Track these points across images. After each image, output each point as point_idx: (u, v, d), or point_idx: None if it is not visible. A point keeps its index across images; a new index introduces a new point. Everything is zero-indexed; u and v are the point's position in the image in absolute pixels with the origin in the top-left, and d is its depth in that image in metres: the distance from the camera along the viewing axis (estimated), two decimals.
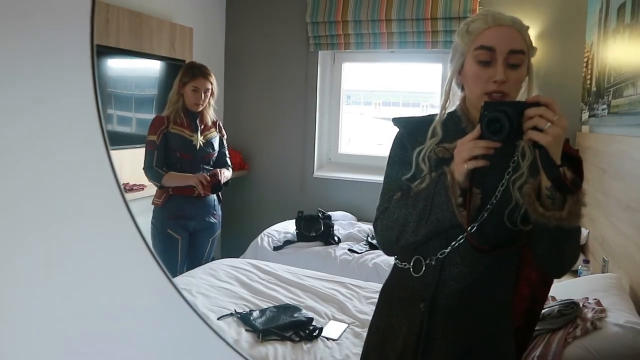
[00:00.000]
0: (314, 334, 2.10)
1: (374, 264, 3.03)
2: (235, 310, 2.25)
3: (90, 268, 1.05)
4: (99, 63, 3.15)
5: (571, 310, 1.73)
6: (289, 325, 2.12)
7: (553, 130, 0.98)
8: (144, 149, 2.73)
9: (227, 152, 2.95)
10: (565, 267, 1.16)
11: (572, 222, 1.02)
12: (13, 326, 0.95)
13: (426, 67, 4.12)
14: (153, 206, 2.78)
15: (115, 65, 3.35)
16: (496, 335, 1.22)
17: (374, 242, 3.20)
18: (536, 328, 1.65)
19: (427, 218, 1.12)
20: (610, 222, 2.36)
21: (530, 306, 1.31)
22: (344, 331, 2.15)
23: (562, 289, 2.01)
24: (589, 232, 2.74)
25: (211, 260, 2.95)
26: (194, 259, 2.88)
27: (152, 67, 3.62)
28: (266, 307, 2.30)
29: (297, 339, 2.06)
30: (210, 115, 2.83)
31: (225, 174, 2.84)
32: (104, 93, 3.22)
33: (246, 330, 2.11)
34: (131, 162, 2.94)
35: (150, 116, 3.40)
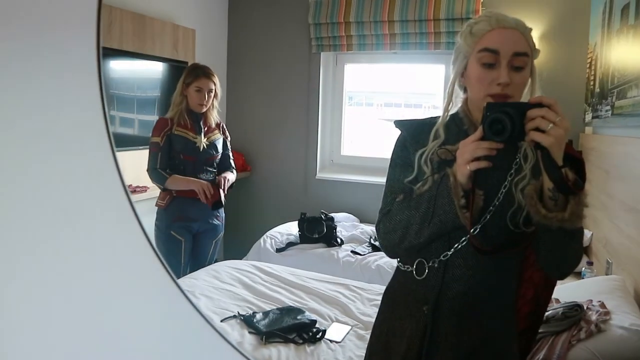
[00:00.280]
0: (317, 336, 2.09)
1: (376, 266, 3.02)
2: (238, 313, 2.25)
3: (96, 269, 1.05)
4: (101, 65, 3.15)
5: (575, 312, 1.72)
6: (292, 327, 2.12)
7: (555, 132, 0.98)
8: (146, 151, 2.73)
9: (230, 154, 2.95)
10: (568, 268, 1.15)
11: (575, 223, 1.02)
12: (18, 326, 0.95)
13: (429, 68, 4.11)
14: (156, 208, 2.79)
15: (118, 67, 3.35)
16: (500, 338, 1.22)
17: (377, 243, 3.20)
18: (540, 330, 1.65)
19: (430, 220, 1.12)
20: (614, 224, 2.35)
21: (533, 308, 1.30)
22: (347, 333, 2.14)
23: (565, 291, 2.01)
24: (592, 234, 2.74)
25: (214, 262, 2.95)
26: (197, 261, 2.88)
27: (155, 69, 3.63)
28: (269, 309, 2.30)
29: (301, 341, 2.06)
30: (214, 117, 2.83)
31: (229, 178, 2.84)
32: (107, 94, 3.22)
33: (249, 332, 2.11)
34: (133, 163, 2.94)
35: (153, 118, 3.41)
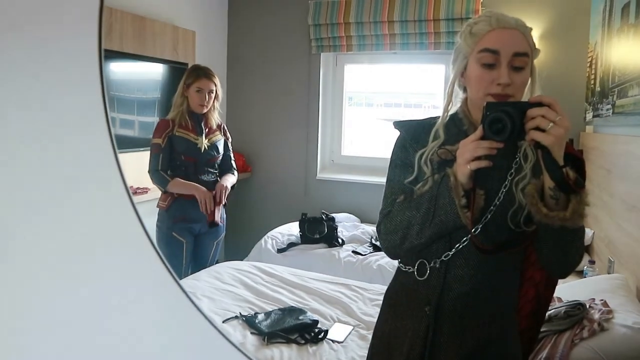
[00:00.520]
0: (320, 336, 2.09)
1: (378, 266, 3.02)
2: (240, 313, 2.25)
3: (98, 270, 1.05)
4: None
5: (578, 311, 1.72)
6: (294, 327, 2.11)
7: (555, 131, 0.98)
8: (147, 152, 2.73)
9: (232, 156, 2.95)
10: (569, 267, 1.15)
11: (576, 222, 1.02)
12: (19, 328, 0.95)
13: (429, 68, 4.11)
14: (157, 209, 2.79)
15: (118, 68, 3.35)
16: (502, 338, 1.22)
17: (378, 243, 3.20)
18: (543, 329, 1.65)
19: (431, 220, 1.12)
20: (615, 222, 2.35)
21: (535, 307, 1.30)
22: (350, 333, 2.14)
23: (568, 290, 2.01)
24: (594, 233, 2.73)
25: (216, 263, 2.95)
26: (199, 262, 2.88)
27: (155, 71, 3.63)
28: (271, 309, 2.30)
29: (303, 341, 2.06)
30: (215, 118, 2.83)
31: (228, 185, 2.84)
32: (107, 96, 3.22)
33: (251, 333, 2.11)
34: (134, 165, 2.94)
35: (153, 119, 3.41)
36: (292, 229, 3.59)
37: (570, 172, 1.01)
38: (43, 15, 0.94)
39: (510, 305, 1.23)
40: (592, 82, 3.10)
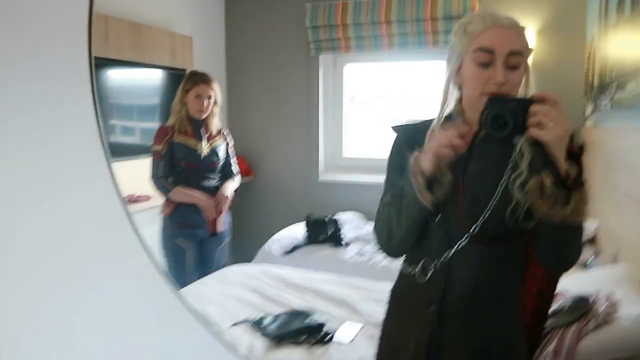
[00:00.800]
0: (327, 338, 2.10)
1: (383, 266, 3.03)
2: (247, 317, 2.26)
3: (96, 281, 1.06)
4: (99, 75, 3.16)
5: (583, 304, 1.73)
6: (302, 330, 2.12)
7: (555, 130, 0.98)
8: (148, 159, 2.74)
9: (232, 160, 2.95)
10: (567, 264, 1.16)
11: (577, 219, 1.03)
12: (15, 340, 0.95)
13: (428, 66, 4.11)
14: (161, 216, 2.80)
15: (117, 75, 3.36)
16: (507, 335, 1.22)
17: None
18: (549, 323, 1.66)
19: (400, 207, 1.16)
20: (619, 214, 2.36)
21: (538, 304, 1.31)
22: (357, 334, 2.15)
23: (572, 283, 2.01)
24: (598, 225, 2.74)
25: (222, 267, 2.96)
26: (205, 267, 2.88)
27: (154, 76, 3.63)
28: (278, 312, 2.31)
29: (311, 343, 2.07)
30: (215, 124, 2.84)
31: (229, 193, 2.86)
32: (106, 104, 3.23)
33: (259, 336, 2.11)
34: (136, 172, 2.95)
35: (154, 125, 3.41)
36: (296, 231, 3.60)
37: (570, 169, 1.02)
38: (33, 25, 0.96)
39: (514, 302, 1.24)
40: (591, 76, 3.11)
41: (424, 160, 1.12)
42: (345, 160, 4.30)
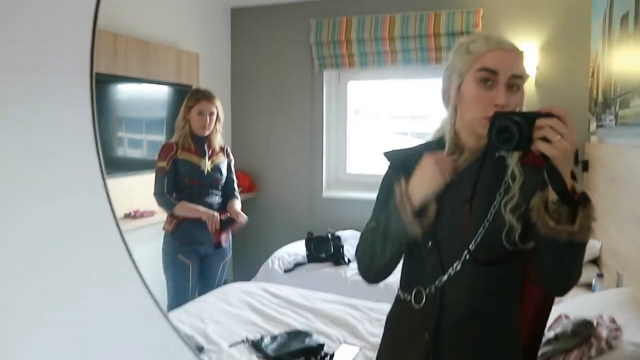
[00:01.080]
0: (326, 359, 2.08)
1: (385, 285, 2.97)
2: (246, 337, 2.24)
3: (83, 300, 1.05)
4: (107, 89, 3.19)
5: (585, 329, 1.69)
6: (301, 351, 2.10)
7: (561, 144, 0.96)
8: (151, 175, 2.76)
9: (235, 178, 2.96)
10: (569, 284, 1.13)
11: (584, 236, 1.00)
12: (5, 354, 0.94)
13: (432, 82, 4.11)
14: (163, 232, 2.80)
15: (125, 89, 3.38)
16: (504, 359, 1.20)
17: None
18: (550, 348, 1.63)
19: (387, 234, 1.15)
20: (622, 234, 2.32)
21: (534, 326, 1.28)
22: (356, 356, 2.12)
23: (575, 306, 1.98)
24: (602, 245, 2.70)
25: (224, 284, 2.95)
26: (206, 284, 2.88)
27: (161, 90, 3.65)
28: (277, 332, 2.29)
29: None
30: (218, 141, 2.86)
31: (239, 205, 2.87)
32: (114, 117, 3.26)
33: (258, 357, 2.10)
34: (141, 188, 2.97)
35: (161, 138, 3.43)
36: (298, 248, 3.58)
37: (576, 185, 1.00)
38: (36, 38, 0.96)
39: (511, 326, 1.21)
40: (595, 92, 3.08)
41: (411, 191, 1.12)
42: (349, 176, 4.29)
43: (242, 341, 2.22)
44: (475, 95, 1.11)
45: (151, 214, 3.27)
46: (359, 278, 3.12)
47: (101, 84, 3.08)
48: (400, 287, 1.26)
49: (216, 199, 2.85)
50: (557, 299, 1.38)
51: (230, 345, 2.19)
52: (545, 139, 0.97)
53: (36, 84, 0.94)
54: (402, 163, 1.24)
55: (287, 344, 2.17)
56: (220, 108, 2.82)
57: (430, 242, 1.16)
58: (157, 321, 1.18)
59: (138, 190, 3.16)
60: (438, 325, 1.17)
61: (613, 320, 1.73)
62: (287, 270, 3.32)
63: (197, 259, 2.82)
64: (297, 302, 2.64)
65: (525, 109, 1.15)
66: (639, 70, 2.09)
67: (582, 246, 1.04)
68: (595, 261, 2.75)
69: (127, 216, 3.24)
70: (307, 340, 2.18)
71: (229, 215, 2.81)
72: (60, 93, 0.97)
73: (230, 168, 2.93)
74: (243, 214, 2.86)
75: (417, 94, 4.23)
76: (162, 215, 2.89)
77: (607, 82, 2.71)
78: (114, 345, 1.04)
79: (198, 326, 2.34)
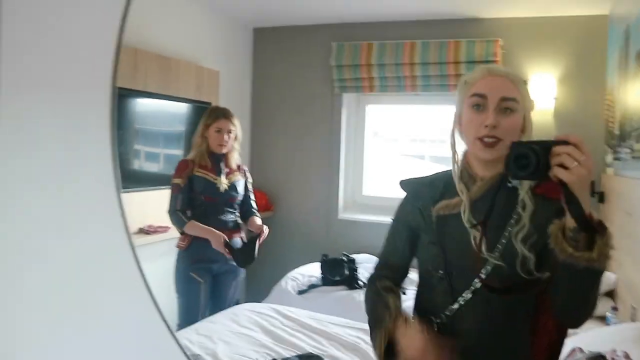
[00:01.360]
0: None
1: None
2: (256, 359, 2.24)
3: (94, 314, 1.07)
4: (126, 103, 3.21)
5: None
6: None
7: (578, 170, 0.97)
8: (167, 191, 2.77)
9: (252, 196, 2.97)
10: (585, 315, 1.13)
11: (602, 263, 1.01)
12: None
13: (450, 108, 4.13)
14: (176, 249, 2.82)
15: (144, 103, 3.39)
16: None
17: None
18: None
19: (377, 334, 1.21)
20: (638, 267, 2.30)
21: (548, 357, 1.28)
22: None
23: (589, 339, 1.96)
24: (617, 278, 2.68)
25: (235, 304, 2.95)
26: (218, 302, 2.89)
27: (180, 106, 3.67)
28: (288, 356, 2.29)
29: None
30: (235, 159, 2.88)
31: (260, 221, 2.88)
32: (132, 129, 3.26)
33: None
34: (156, 202, 2.98)
35: (178, 152, 3.45)
36: (313, 270, 3.58)
37: (593, 213, 1.01)
38: (60, 53, 0.99)
39: (523, 356, 1.21)
40: (611, 124, 3.08)
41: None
42: (365, 198, 4.30)
43: None
44: (469, 119, 1.19)
45: (165, 229, 3.26)
46: None
47: (120, 97, 3.09)
48: (413, 314, 1.28)
49: (231, 217, 2.86)
50: (571, 331, 1.38)
51: None
52: (562, 166, 0.99)
53: (59, 100, 0.98)
54: (417, 191, 1.28)
55: None
56: (238, 126, 2.85)
57: (440, 271, 1.18)
58: (164, 340, 1.21)
59: (153, 204, 3.14)
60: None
61: (627, 356, 1.71)
62: (300, 292, 3.32)
63: (210, 277, 2.82)
64: (309, 324, 2.64)
65: (533, 135, 1.18)
66: None
67: (599, 274, 1.04)
68: (610, 294, 2.72)
69: (141, 231, 3.24)
70: None
71: (250, 231, 2.82)
72: (82, 110, 1.01)
73: (247, 186, 2.95)
74: (265, 227, 2.86)
75: (434, 118, 4.25)
76: (176, 232, 2.90)
77: (623, 116, 2.72)
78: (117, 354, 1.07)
79: (207, 346, 2.34)
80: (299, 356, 2.27)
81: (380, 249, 1.36)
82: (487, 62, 3.53)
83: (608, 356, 1.72)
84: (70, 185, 1.04)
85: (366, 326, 2.60)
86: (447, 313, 1.18)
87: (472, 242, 1.16)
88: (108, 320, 1.09)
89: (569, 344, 1.63)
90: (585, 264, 1.00)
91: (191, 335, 2.43)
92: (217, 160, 2.81)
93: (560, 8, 3.41)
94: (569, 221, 1.01)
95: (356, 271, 3.39)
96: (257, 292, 3.84)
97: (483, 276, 1.14)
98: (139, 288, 1.16)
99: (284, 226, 4.33)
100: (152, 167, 3.56)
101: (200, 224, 2.72)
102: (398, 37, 3.91)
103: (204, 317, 2.73)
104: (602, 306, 2.45)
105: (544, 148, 1.01)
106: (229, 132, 2.79)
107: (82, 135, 1.04)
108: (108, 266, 1.11)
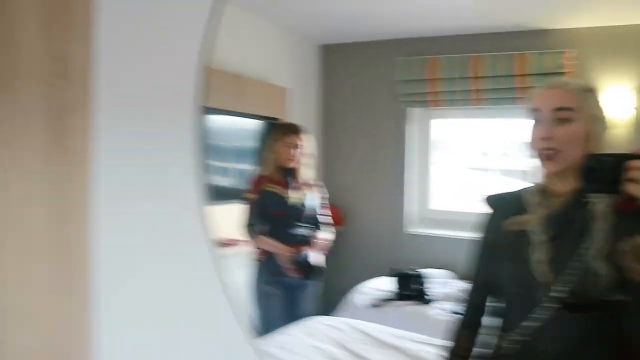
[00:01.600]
0: None
1: None
2: None
3: (178, 321, 1.11)
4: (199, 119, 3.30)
5: None
6: None
7: None
8: (239, 204, 2.85)
9: (322, 211, 3.00)
10: None
11: None
12: None
13: (518, 121, 4.04)
14: (252, 262, 2.87)
15: (216, 119, 3.46)
16: None
17: None
18: None
19: None
20: None
21: None
22: None
23: None
24: None
25: (308, 316, 2.97)
26: (292, 316, 2.92)
27: (251, 122, 3.74)
28: None
29: None
30: (305, 173, 2.92)
31: (328, 235, 2.90)
32: (203, 144, 3.34)
33: None
34: (226, 217, 3.03)
35: (249, 167, 3.52)
36: (382, 284, 3.56)
37: None
38: (148, 77, 1.05)
39: None
40: None
41: None
42: (432, 212, 4.26)
43: None
44: (530, 134, 1.20)
45: (235, 242, 3.32)
46: (444, 318, 3.08)
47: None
48: (487, 333, 1.29)
49: (302, 231, 2.90)
50: None
51: None
52: (635, 180, 0.95)
53: (147, 118, 1.06)
54: (500, 206, 1.28)
55: None
56: (307, 141, 2.90)
57: (516, 289, 1.18)
58: (244, 349, 1.23)
59: (224, 218, 3.20)
60: None
61: None
62: (370, 306, 3.31)
63: (285, 290, 2.87)
64: (382, 339, 2.63)
65: (605, 144, 1.16)
66: None
67: None
68: None
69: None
70: None
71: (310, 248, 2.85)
72: (170, 127, 1.11)
73: (319, 201, 2.98)
74: (324, 241, 2.88)
75: (501, 131, 4.17)
76: (246, 245, 2.95)
77: None
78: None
79: (283, 358, 2.37)
80: None
81: (471, 271, 1.34)
82: (557, 74, 3.44)
83: None
84: (159, 199, 1.11)
85: (440, 341, 2.59)
86: (525, 331, 1.16)
87: (546, 258, 1.14)
88: (194, 331, 1.14)
89: None
90: None
91: (267, 347, 2.46)
92: (286, 174, 2.86)
93: (634, 17, 3.30)
94: None
95: (427, 285, 3.35)
96: (327, 306, 3.84)
97: (558, 294, 1.11)
98: (222, 300, 1.20)
99: (353, 240, 4.33)
100: (223, 182, 3.65)
101: (268, 239, 2.77)
102: (464, 50, 3.88)
103: (278, 329, 2.76)
104: None
105: (617, 161, 0.98)
106: (299, 147, 2.84)
107: (168, 152, 1.09)
108: (194, 277, 1.17)
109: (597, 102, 1.19)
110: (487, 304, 1.33)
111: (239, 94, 3.54)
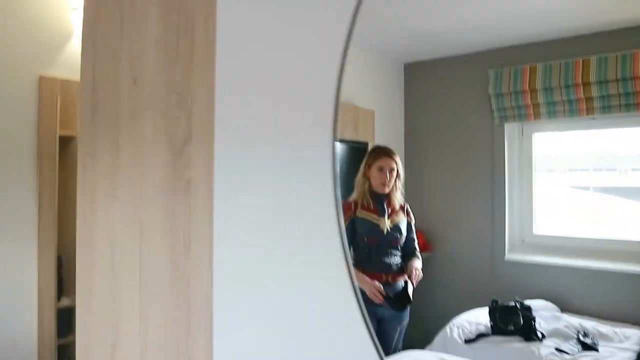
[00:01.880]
0: None
1: None
2: None
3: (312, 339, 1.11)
4: None
5: None
6: None
7: None
8: None
9: (415, 237, 2.85)
10: None
11: None
12: None
13: (634, 130, 3.60)
14: None
15: None
16: None
17: (587, 341, 2.74)
18: None
19: None
20: None
21: None
22: None
23: None
24: None
25: (399, 350, 2.81)
26: (383, 347, 2.72)
27: (338, 146, 3.67)
28: None
29: None
30: (398, 199, 2.80)
31: (419, 264, 2.73)
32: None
33: None
34: None
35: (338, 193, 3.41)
36: (480, 317, 3.25)
37: None
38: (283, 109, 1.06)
39: None
40: None
41: None
42: (536, 237, 3.87)
43: None
44: None
45: None
46: (557, 359, 2.74)
47: None
48: None
49: (395, 259, 2.76)
50: None
51: None
52: None
53: (284, 150, 1.07)
54: None
55: None
56: (400, 164, 2.79)
57: None
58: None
59: None
60: None
61: None
62: (467, 341, 3.02)
63: (375, 321, 2.70)
64: None
65: None
66: None
67: None
68: None
69: None
70: None
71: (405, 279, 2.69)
72: (305, 158, 1.12)
73: (411, 227, 2.84)
74: (419, 272, 2.72)
75: (618, 145, 3.74)
76: None
77: None
78: None
79: None
80: None
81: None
82: None
83: None
84: (294, 225, 1.10)
85: None
86: None
87: None
88: (317, 339, 1.13)
89: None
90: None
91: None
92: (379, 200, 2.74)
93: None
94: None
95: (533, 320, 2.99)
96: (418, 339, 3.59)
97: None
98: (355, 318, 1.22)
99: (444, 268, 4.07)
100: None
101: (357, 272, 2.61)
102: (566, 55, 3.54)
103: None
104: None
105: None
106: (392, 170, 2.74)
107: (299, 185, 1.10)
108: (329, 300, 1.16)
109: None
110: None
111: None
